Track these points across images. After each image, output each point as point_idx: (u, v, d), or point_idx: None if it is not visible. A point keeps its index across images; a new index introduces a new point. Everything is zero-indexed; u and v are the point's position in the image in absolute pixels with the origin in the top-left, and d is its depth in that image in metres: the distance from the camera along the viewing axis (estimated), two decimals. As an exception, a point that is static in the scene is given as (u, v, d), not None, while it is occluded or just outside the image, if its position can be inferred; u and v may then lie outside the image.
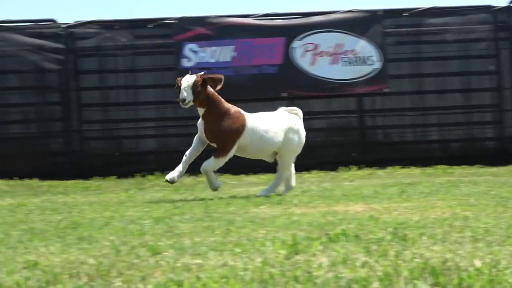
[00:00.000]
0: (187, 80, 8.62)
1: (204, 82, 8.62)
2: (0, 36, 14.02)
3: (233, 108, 8.72)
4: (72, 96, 14.07)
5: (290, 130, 8.83)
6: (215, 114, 8.67)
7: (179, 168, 8.52)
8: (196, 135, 8.74)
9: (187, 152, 8.59)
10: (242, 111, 8.77)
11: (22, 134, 14.01)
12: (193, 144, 8.68)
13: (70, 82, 14.11)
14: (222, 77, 8.75)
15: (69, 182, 12.92)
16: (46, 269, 4.20)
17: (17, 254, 4.76)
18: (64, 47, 14.09)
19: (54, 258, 4.56)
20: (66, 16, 36.41)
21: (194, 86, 8.64)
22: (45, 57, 14.04)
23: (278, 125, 8.79)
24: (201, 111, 8.73)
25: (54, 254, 4.74)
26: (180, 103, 8.65)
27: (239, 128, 8.62)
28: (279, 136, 8.77)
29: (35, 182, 12.96)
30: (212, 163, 8.57)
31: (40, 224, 6.47)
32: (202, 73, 8.82)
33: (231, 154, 8.66)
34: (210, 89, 8.71)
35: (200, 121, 8.76)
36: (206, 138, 8.64)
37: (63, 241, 5.33)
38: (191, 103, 8.67)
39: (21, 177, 13.15)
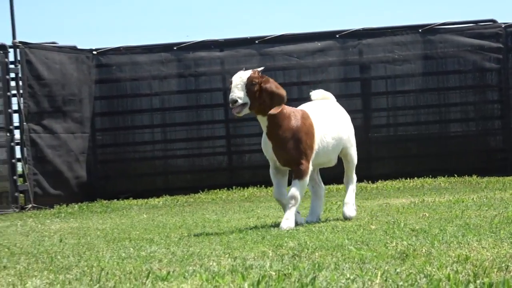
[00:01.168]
0: (240, 76, 7.16)
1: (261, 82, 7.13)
2: (440, 37, 14.60)
3: (297, 112, 7.38)
4: (511, 94, 14.35)
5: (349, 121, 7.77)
6: (281, 126, 7.24)
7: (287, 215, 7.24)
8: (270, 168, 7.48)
9: (275, 195, 7.44)
10: (306, 112, 7.41)
11: (462, 132, 14.55)
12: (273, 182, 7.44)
13: (510, 81, 14.34)
14: (284, 95, 7.25)
15: (507, 178, 13.11)
16: (476, 263, 4.61)
17: (450, 249, 5.21)
18: (503, 46, 14.35)
19: (485, 253, 4.98)
20: (505, 15, 36.43)
21: (249, 84, 7.12)
22: (485, 57, 14.39)
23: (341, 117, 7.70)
24: (263, 122, 7.33)
25: (485, 248, 5.16)
26: (231, 107, 7.15)
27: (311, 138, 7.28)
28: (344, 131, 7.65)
29: (474, 179, 13.54)
30: (297, 191, 7.22)
31: (475, 220, 6.98)
32: (260, 68, 7.41)
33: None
34: (272, 86, 7.18)
35: (264, 139, 7.44)
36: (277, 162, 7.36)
37: (496, 236, 5.74)
38: (247, 109, 7.16)
39: (461, 174, 13.76)
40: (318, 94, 7.86)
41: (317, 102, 7.71)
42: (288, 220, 7.17)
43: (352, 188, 7.75)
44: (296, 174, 7.23)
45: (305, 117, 7.32)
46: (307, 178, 7.26)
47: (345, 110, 7.97)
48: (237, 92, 7.00)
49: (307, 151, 7.20)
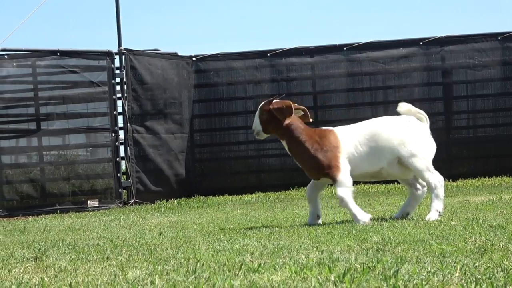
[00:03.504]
0: (258, 107, 7.67)
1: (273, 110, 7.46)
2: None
3: (319, 130, 7.53)
4: None
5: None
6: (298, 146, 7.44)
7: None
8: None
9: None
10: (332, 129, 7.50)
11: None
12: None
13: None
14: (290, 104, 7.45)
15: None
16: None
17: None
18: None
19: None
20: None
21: (260, 114, 7.62)
22: None
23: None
24: (283, 142, 7.64)
25: None
26: None
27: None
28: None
29: None
30: (339, 190, 7.31)
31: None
32: (274, 98, 7.65)
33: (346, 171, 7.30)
34: (276, 104, 7.48)
35: None
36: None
37: None
38: (263, 134, 7.71)
39: None
40: (403, 107, 7.80)
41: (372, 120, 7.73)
42: (355, 217, 7.26)
43: (434, 194, 7.41)
44: (331, 180, 7.41)
45: (326, 133, 7.48)
46: (343, 180, 7.26)
47: (413, 123, 7.62)
48: (254, 122, 7.73)
49: (330, 158, 7.31)
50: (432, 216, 7.35)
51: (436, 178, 7.38)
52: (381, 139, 7.47)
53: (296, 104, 7.55)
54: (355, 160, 7.40)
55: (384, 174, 7.56)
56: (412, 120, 7.66)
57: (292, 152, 7.57)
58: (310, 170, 7.50)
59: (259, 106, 7.65)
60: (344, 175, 7.30)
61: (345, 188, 7.30)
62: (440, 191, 7.38)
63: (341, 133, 7.48)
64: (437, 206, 7.40)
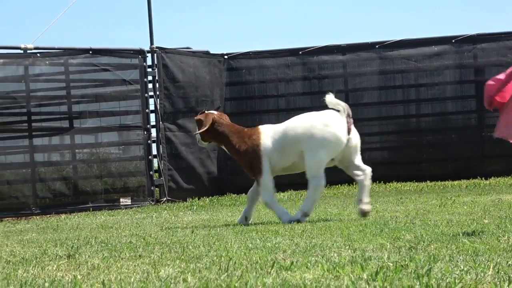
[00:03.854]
0: None
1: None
2: None
3: (248, 130, 8.15)
4: None
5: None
6: (232, 149, 8.14)
7: None
8: None
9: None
10: (260, 127, 8.13)
11: None
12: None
13: None
14: (202, 118, 8.21)
15: None
16: None
17: None
18: None
19: None
20: None
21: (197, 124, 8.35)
22: None
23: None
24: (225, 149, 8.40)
25: None
26: None
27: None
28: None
29: None
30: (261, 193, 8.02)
31: None
32: (203, 111, 8.44)
33: (266, 172, 7.92)
34: (217, 126, 8.17)
35: None
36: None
37: None
38: (202, 142, 8.38)
39: None
40: (327, 99, 7.93)
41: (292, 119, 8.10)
42: (281, 218, 7.95)
43: (309, 195, 7.87)
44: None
45: (252, 133, 8.06)
46: (264, 183, 7.93)
47: (323, 119, 7.84)
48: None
49: (252, 160, 7.94)
50: (296, 216, 7.87)
51: (317, 182, 7.73)
52: (290, 135, 7.85)
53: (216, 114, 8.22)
54: (274, 157, 7.91)
55: (300, 167, 7.99)
56: (327, 114, 7.86)
57: (232, 156, 8.26)
58: (246, 171, 8.18)
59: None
60: (265, 178, 7.95)
61: (267, 192, 7.96)
62: (314, 194, 7.79)
63: (264, 131, 8.00)
64: (305, 207, 7.85)
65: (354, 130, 7.83)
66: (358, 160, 7.95)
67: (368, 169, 7.96)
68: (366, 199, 7.91)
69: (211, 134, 8.20)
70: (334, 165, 8.01)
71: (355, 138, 7.86)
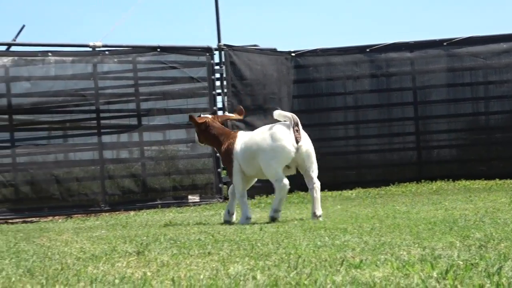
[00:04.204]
0: None
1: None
2: None
3: (231, 134, 8.92)
4: None
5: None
6: (220, 151, 8.96)
7: None
8: None
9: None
10: (238, 132, 8.88)
11: None
12: None
13: None
14: (193, 120, 9.00)
15: None
16: None
17: None
18: None
19: None
20: None
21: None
22: None
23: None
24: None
25: None
26: None
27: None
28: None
29: None
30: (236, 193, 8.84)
31: None
32: (199, 114, 9.27)
33: (236, 174, 8.68)
34: (209, 129, 8.93)
35: None
36: None
37: None
38: (199, 143, 9.16)
39: None
40: (275, 114, 8.56)
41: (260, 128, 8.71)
42: (241, 217, 8.76)
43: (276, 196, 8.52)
44: None
45: (232, 136, 8.81)
46: (235, 183, 8.69)
47: (274, 131, 8.40)
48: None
49: (228, 162, 8.76)
50: (270, 214, 8.51)
51: (279, 184, 8.34)
52: (248, 151, 8.54)
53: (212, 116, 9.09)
54: (242, 164, 8.61)
55: (263, 176, 8.67)
56: (277, 128, 8.43)
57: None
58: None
59: None
60: (235, 179, 8.70)
61: (237, 191, 8.71)
62: (279, 193, 8.40)
63: (239, 138, 8.70)
64: (274, 204, 8.51)
65: (304, 138, 8.44)
66: (312, 169, 8.51)
67: (317, 183, 8.49)
68: (318, 211, 8.47)
69: (205, 135, 8.98)
70: (293, 172, 8.65)
71: (305, 145, 8.43)
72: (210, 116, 9.09)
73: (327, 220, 8.32)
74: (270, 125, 8.57)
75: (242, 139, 8.68)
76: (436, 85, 15.01)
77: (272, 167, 8.38)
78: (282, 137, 8.34)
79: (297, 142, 8.35)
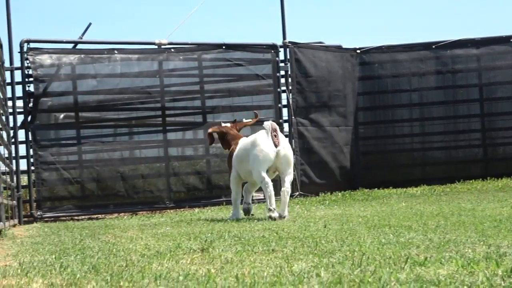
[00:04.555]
0: None
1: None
2: None
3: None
4: None
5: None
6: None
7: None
8: None
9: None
10: (240, 139, 9.66)
11: None
12: None
13: None
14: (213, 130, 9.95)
15: None
16: None
17: None
18: None
19: None
20: None
21: None
22: None
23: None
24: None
25: None
26: None
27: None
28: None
29: None
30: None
31: None
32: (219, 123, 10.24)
33: (233, 178, 9.58)
34: (226, 135, 9.82)
35: None
36: None
37: None
38: (224, 149, 10.09)
39: None
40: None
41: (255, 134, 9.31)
42: (232, 212, 9.79)
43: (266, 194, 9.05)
44: None
45: (234, 143, 9.69)
46: (231, 181, 9.63)
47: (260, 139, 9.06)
48: None
49: (229, 167, 9.75)
50: (267, 214, 8.98)
51: (264, 183, 8.92)
52: (239, 159, 9.43)
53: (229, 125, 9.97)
54: (238, 167, 9.45)
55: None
56: (257, 135, 9.17)
57: None
58: None
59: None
60: (232, 182, 9.62)
61: (232, 188, 9.62)
62: (266, 191, 8.92)
63: (239, 144, 9.52)
64: (267, 203, 8.97)
65: (283, 143, 9.06)
66: (287, 173, 9.09)
67: (288, 188, 9.01)
68: (283, 213, 8.98)
69: (224, 142, 9.90)
70: (275, 174, 9.29)
71: (284, 150, 9.05)
72: (229, 125, 9.98)
73: (391, 217, 8.27)
74: (252, 135, 9.41)
75: (240, 144, 9.54)
76: (502, 82, 14.83)
77: (255, 170, 9.05)
78: (261, 142, 9.08)
79: (276, 146, 9.01)
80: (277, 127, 9.17)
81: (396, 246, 5.35)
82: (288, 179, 9.08)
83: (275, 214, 8.85)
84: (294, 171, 9.84)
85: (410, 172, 14.89)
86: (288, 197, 9.04)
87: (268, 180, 8.95)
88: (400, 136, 15.15)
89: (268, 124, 9.15)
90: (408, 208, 9.83)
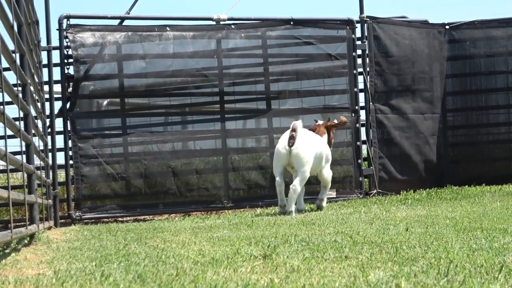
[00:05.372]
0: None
1: None
2: None
3: None
4: None
5: None
6: None
7: None
8: None
9: None
10: None
11: None
12: None
13: None
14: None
15: None
16: None
17: None
18: None
19: None
20: None
21: None
22: None
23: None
24: None
25: None
26: None
27: None
28: None
29: None
30: None
31: None
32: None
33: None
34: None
35: None
36: None
37: None
38: None
39: None
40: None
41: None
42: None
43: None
44: None
45: None
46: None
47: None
48: None
49: None
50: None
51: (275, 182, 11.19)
52: None
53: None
54: None
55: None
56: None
57: None
58: None
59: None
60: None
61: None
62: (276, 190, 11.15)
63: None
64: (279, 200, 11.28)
65: (299, 143, 10.95)
66: (299, 173, 11.02)
67: (296, 187, 10.96)
68: (288, 208, 10.99)
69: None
70: (292, 172, 11.29)
71: (297, 149, 10.94)
72: (321, 122, 12.10)
73: (484, 219, 8.20)
74: None
75: None
76: None
77: (273, 166, 11.34)
78: (281, 139, 11.22)
79: (289, 145, 10.90)
80: (298, 127, 11.05)
81: (489, 253, 5.32)
82: (298, 178, 10.97)
83: (284, 210, 10.98)
84: (327, 170, 11.77)
85: (507, 166, 14.74)
86: (294, 195, 10.93)
87: (278, 178, 11.04)
88: (495, 125, 15.01)
89: (293, 123, 11.11)
90: (503, 209, 9.75)
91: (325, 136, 11.84)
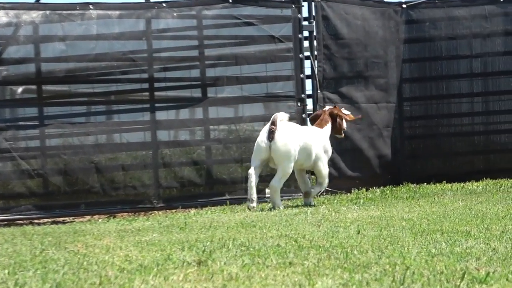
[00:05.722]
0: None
1: None
2: None
3: None
4: None
5: None
6: None
7: None
8: None
9: None
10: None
11: None
12: None
13: None
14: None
15: None
16: None
17: None
18: None
19: None
20: None
21: None
22: None
23: None
24: None
25: None
26: None
27: None
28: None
29: None
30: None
31: None
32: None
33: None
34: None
35: None
36: None
37: None
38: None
39: None
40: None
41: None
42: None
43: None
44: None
45: None
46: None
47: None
48: None
49: None
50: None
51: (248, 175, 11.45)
52: None
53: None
54: None
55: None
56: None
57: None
58: None
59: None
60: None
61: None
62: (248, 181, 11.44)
63: None
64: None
65: (278, 137, 11.21)
66: (278, 168, 11.39)
67: (272, 183, 11.49)
68: (276, 205, 11.50)
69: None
70: (272, 166, 11.66)
71: (277, 144, 11.22)
72: (326, 108, 12.45)
73: (444, 220, 8.28)
74: None
75: None
76: None
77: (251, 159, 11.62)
78: (260, 134, 11.46)
79: (269, 139, 11.22)
80: (278, 120, 11.25)
81: (450, 258, 5.37)
82: (279, 174, 11.37)
83: (252, 204, 11.28)
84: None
85: (470, 162, 14.89)
86: (274, 194, 11.50)
87: (251, 172, 11.27)
88: (457, 116, 15.12)
89: (274, 116, 11.33)
90: (466, 209, 9.83)
91: (328, 125, 12.12)
